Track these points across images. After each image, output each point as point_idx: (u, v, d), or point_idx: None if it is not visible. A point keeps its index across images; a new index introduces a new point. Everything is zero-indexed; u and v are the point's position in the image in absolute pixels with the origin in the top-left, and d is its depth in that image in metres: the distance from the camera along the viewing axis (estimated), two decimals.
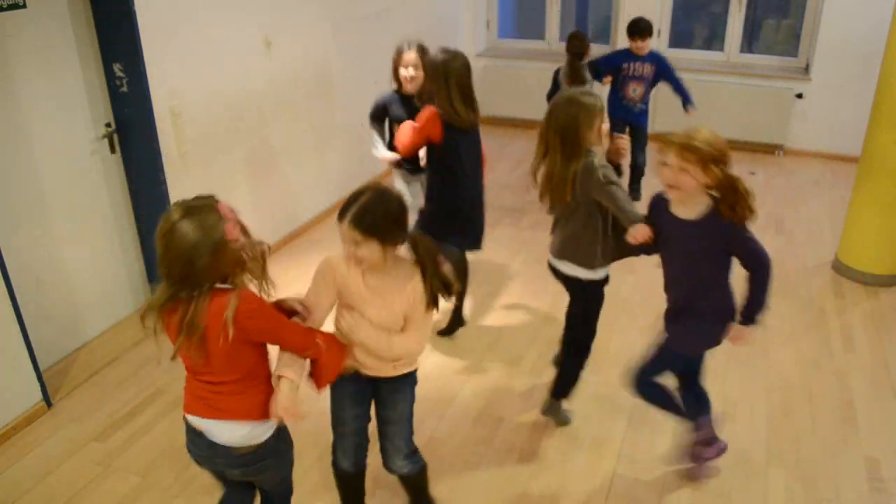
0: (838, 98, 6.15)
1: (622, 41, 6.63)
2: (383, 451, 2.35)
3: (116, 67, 3.48)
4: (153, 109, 3.55)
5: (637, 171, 5.36)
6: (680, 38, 6.86)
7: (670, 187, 2.33)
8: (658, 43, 6.68)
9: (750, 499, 2.69)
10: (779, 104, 6.28)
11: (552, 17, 7.05)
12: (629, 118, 5.22)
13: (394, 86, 3.72)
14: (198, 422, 1.94)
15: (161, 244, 1.73)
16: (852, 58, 5.95)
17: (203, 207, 1.76)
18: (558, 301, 3.97)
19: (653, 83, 5.19)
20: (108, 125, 3.60)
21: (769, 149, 6.52)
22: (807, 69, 6.29)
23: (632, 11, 6.54)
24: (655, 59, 5.14)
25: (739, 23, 6.40)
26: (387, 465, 2.36)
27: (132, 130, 3.62)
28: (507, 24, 7.61)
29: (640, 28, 5.01)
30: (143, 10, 3.40)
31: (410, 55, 3.53)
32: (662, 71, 5.13)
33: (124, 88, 3.52)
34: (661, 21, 6.61)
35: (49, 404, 3.21)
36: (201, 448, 1.98)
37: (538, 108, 7.05)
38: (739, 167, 6.12)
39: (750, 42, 6.73)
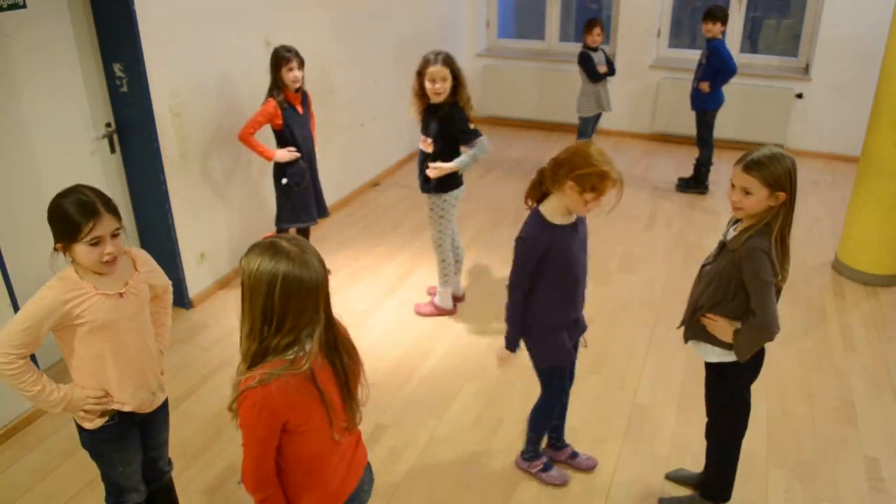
0: (838, 98, 6.15)
1: (623, 41, 6.66)
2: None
3: (116, 67, 3.49)
4: (153, 109, 3.55)
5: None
6: (680, 38, 6.85)
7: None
8: (658, 43, 6.70)
9: (750, 499, 2.70)
10: (779, 104, 6.28)
11: (552, 17, 7.06)
12: None
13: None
14: None
15: None
16: (852, 58, 5.96)
17: None
18: None
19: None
20: (108, 125, 3.60)
21: None
22: (807, 69, 6.29)
23: (632, 11, 6.58)
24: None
25: (739, 23, 6.40)
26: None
27: (132, 130, 3.63)
28: (508, 24, 7.61)
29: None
30: (143, 10, 3.40)
31: (436, 68, 3.44)
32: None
33: (124, 88, 3.52)
34: (661, 21, 6.61)
35: None
36: None
37: (538, 108, 7.16)
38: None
39: (750, 42, 6.72)
